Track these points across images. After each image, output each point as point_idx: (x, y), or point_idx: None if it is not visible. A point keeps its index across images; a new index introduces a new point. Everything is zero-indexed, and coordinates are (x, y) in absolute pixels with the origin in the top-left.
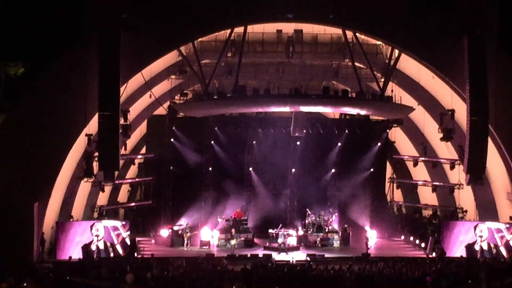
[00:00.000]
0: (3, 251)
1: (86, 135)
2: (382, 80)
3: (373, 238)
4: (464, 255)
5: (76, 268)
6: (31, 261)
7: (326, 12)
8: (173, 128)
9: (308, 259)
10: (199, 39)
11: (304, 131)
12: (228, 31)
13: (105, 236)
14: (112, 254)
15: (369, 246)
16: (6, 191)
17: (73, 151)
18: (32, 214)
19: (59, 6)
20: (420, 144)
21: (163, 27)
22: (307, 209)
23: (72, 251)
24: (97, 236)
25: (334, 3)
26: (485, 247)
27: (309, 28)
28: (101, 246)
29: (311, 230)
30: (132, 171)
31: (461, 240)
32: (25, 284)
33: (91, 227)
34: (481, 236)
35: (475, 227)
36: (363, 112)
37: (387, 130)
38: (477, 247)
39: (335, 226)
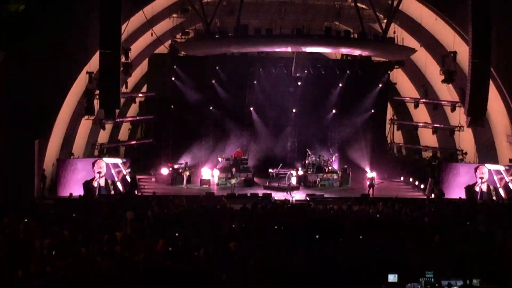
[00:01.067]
0: (4, 188)
1: (87, 72)
2: (385, 21)
3: (371, 177)
4: (463, 196)
5: (77, 204)
6: (32, 198)
7: None
8: (174, 67)
9: (308, 198)
10: None
11: (306, 71)
12: None
13: (106, 173)
14: (112, 191)
15: (373, 187)
16: (7, 129)
17: (74, 89)
18: (33, 151)
19: None
20: (422, 86)
21: None
22: (307, 149)
23: (73, 188)
24: (99, 173)
25: None
26: (484, 189)
27: None
28: (102, 183)
29: (311, 170)
30: (133, 109)
31: (460, 182)
32: (26, 221)
33: (93, 164)
34: (481, 178)
35: (476, 169)
36: (365, 53)
37: (389, 72)
38: (477, 189)
39: (335, 166)
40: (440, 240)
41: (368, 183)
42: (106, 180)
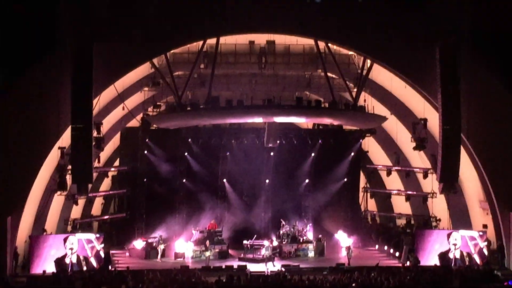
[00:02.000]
0: None
1: (59, 148)
2: (355, 90)
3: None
4: (438, 263)
5: (50, 282)
6: (5, 276)
7: (298, 23)
8: (147, 140)
9: (283, 269)
10: (172, 51)
11: (278, 141)
12: (201, 42)
13: (79, 249)
14: (85, 267)
15: (349, 257)
16: None
17: (46, 164)
18: (5, 228)
19: (32, 18)
20: (393, 153)
21: (136, 39)
22: (282, 220)
23: (46, 265)
24: (71, 249)
25: (305, 14)
26: (458, 255)
27: (281, 39)
28: (75, 260)
29: (286, 240)
30: (106, 183)
31: (435, 248)
32: None
33: (65, 240)
34: (455, 244)
35: (448, 235)
36: (336, 122)
37: (361, 140)
38: (451, 255)
39: (310, 236)
40: None
41: (346, 252)
42: (78, 256)
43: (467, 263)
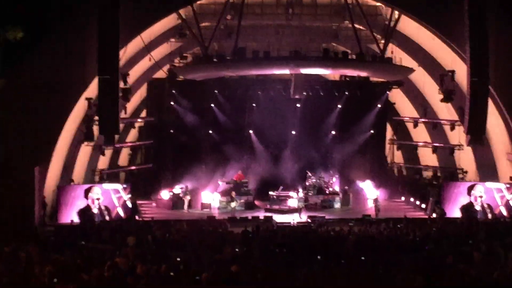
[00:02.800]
0: (4, 216)
1: (86, 99)
2: (382, 41)
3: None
4: (460, 216)
5: (78, 231)
6: (33, 225)
7: None
8: (173, 91)
9: (309, 220)
10: (198, 2)
11: (304, 93)
12: None
13: (106, 199)
14: (107, 217)
15: (377, 209)
16: (7, 156)
17: (73, 115)
18: (33, 178)
19: None
20: (420, 105)
21: None
22: (308, 171)
23: (74, 215)
24: (98, 199)
25: None
26: (485, 207)
27: None
28: (102, 209)
29: (312, 192)
30: (132, 134)
31: (461, 200)
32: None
33: (89, 190)
34: (480, 196)
35: (473, 187)
36: (363, 74)
37: (387, 92)
38: (477, 207)
39: (336, 187)
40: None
41: (374, 204)
42: (99, 207)
43: (489, 215)
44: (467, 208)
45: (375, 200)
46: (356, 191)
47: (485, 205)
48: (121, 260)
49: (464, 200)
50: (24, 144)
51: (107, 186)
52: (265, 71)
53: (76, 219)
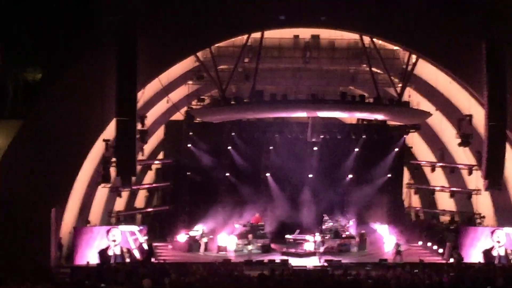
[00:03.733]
0: (21, 256)
1: (104, 140)
2: (400, 85)
3: (392, 243)
4: (482, 260)
5: (94, 273)
6: (49, 266)
7: (343, 18)
8: (190, 133)
9: (326, 264)
10: (216, 45)
11: (321, 136)
12: (245, 36)
13: (122, 241)
14: (128, 259)
15: (400, 253)
16: (24, 197)
17: (90, 157)
18: (50, 219)
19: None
20: (438, 149)
21: (180, 32)
22: (324, 215)
23: (90, 256)
24: (114, 241)
25: (351, 8)
26: (503, 253)
27: (326, 34)
28: (118, 251)
29: (329, 235)
30: (149, 176)
31: (479, 246)
32: None
33: (108, 232)
34: (498, 242)
35: (492, 232)
36: (380, 117)
37: (405, 136)
38: (494, 253)
39: (352, 231)
40: None
41: (394, 249)
42: (121, 248)
43: (511, 261)
44: (487, 253)
45: (396, 245)
46: (373, 235)
47: (509, 251)
48: None
49: (483, 245)
50: (41, 185)
51: (124, 228)
52: (283, 114)
53: (94, 260)
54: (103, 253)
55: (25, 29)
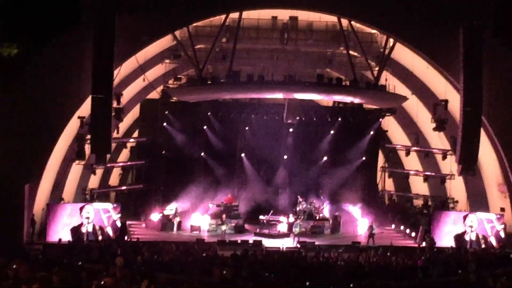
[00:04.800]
0: None
1: (79, 117)
2: (376, 69)
3: (365, 225)
4: (454, 245)
5: (66, 250)
6: (21, 243)
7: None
8: (166, 112)
9: (299, 246)
10: (194, 24)
11: (297, 118)
12: (223, 16)
13: (96, 218)
14: (100, 237)
15: (373, 236)
16: None
17: (65, 134)
18: (23, 195)
19: None
20: (413, 133)
21: (158, 11)
22: (299, 196)
23: (63, 233)
24: (87, 218)
25: None
26: (474, 238)
27: (304, 15)
28: (91, 229)
29: (302, 217)
30: (124, 154)
31: (451, 230)
32: (14, 266)
33: (81, 209)
34: (471, 226)
35: (465, 217)
36: (356, 100)
37: (380, 119)
38: (467, 237)
39: (326, 213)
40: None
41: (367, 232)
42: (94, 226)
43: (482, 246)
44: (459, 237)
45: (370, 227)
46: (346, 217)
47: (480, 236)
48: (108, 280)
49: (455, 229)
50: (15, 161)
51: (97, 205)
52: (259, 95)
53: (66, 237)
54: (75, 230)
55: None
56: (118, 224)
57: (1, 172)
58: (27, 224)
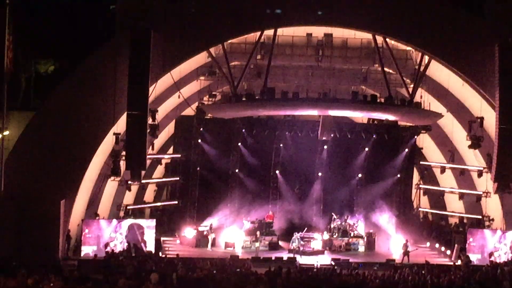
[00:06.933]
0: (29, 248)
1: (114, 134)
2: (411, 86)
3: (400, 243)
4: (489, 263)
5: (101, 266)
6: (57, 258)
7: (357, 17)
8: (201, 129)
9: (333, 263)
10: (229, 41)
11: (332, 135)
12: (258, 33)
13: (130, 235)
14: (135, 254)
15: (408, 254)
16: (34, 188)
17: (100, 150)
18: (59, 211)
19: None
20: (448, 151)
21: (194, 28)
22: (333, 213)
23: (98, 249)
24: (122, 234)
25: (365, 7)
26: (510, 256)
27: (339, 32)
28: (126, 245)
29: (336, 234)
30: (159, 171)
31: (487, 248)
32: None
33: (116, 225)
34: (506, 244)
35: (500, 236)
36: (391, 118)
37: (415, 136)
38: (502, 256)
39: (361, 230)
40: None
41: (402, 250)
42: (128, 242)
43: None
44: (494, 256)
45: (405, 245)
46: (381, 235)
47: None
48: None
49: (490, 247)
50: (51, 177)
51: (132, 221)
52: (294, 112)
53: (101, 253)
54: (110, 246)
55: (38, 21)
56: (153, 240)
57: (38, 188)
58: (63, 239)
